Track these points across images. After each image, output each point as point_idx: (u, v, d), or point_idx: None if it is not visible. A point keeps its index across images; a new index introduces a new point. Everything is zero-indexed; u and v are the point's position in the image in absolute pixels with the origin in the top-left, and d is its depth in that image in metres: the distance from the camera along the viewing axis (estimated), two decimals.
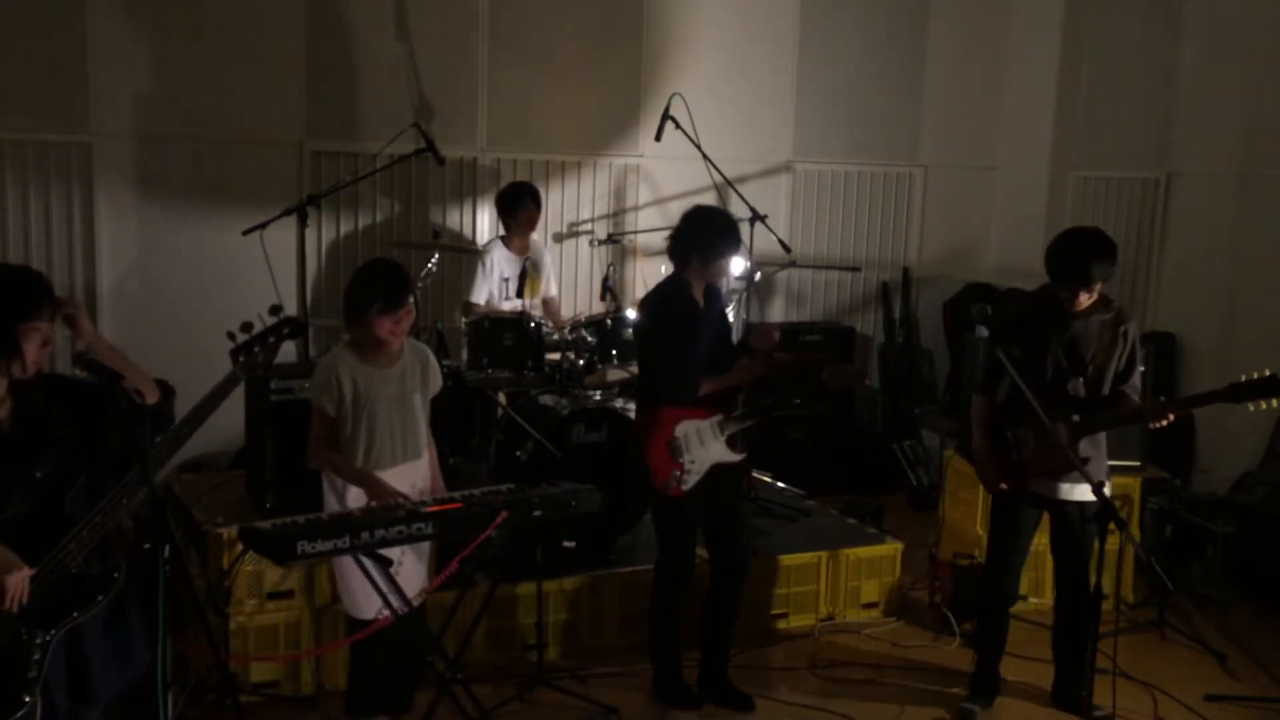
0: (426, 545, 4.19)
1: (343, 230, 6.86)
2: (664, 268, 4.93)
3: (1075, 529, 4.62)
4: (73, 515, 3.15)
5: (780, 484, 6.68)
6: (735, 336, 5.30)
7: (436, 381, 4.31)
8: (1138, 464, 5.89)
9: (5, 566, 3.03)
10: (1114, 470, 5.55)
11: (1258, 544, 6.19)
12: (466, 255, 6.62)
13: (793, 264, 7.13)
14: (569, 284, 7.24)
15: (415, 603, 4.09)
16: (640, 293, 6.47)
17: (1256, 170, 7.02)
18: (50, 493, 3.15)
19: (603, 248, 7.26)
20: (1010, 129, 8.26)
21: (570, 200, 7.37)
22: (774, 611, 5.62)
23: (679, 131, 6.54)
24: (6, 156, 6.18)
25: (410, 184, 6.95)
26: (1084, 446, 4.49)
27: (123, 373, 3.17)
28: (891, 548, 5.91)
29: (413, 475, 4.19)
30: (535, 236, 6.72)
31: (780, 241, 6.65)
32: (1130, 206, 7.71)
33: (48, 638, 3.12)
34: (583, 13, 7.25)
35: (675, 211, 7.08)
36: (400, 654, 4.22)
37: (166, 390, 3.34)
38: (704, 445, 4.61)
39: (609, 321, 5.80)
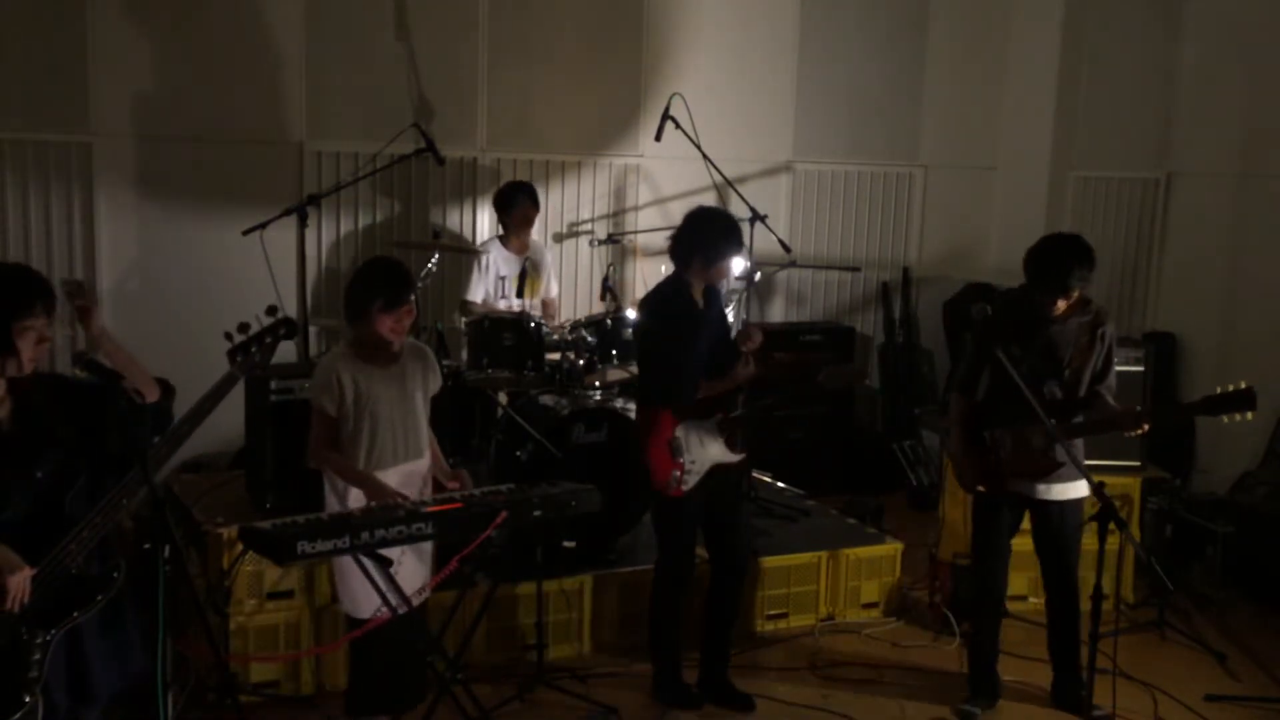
0: (428, 545, 4.19)
1: (343, 230, 6.86)
2: (664, 268, 4.93)
3: (1056, 528, 4.61)
4: (73, 515, 3.15)
5: (780, 484, 6.68)
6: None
7: (436, 380, 4.31)
8: (1138, 464, 5.89)
9: (7, 567, 3.03)
10: (1114, 470, 5.59)
11: (1258, 544, 6.19)
12: (466, 255, 6.62)
13: (793, 264, 7.13)
14: (569, 284, 7.23)
15: (415, 602, 4.09)
16: (640, 293, 6.47)
17: (1256, 170, 7.02)
18: (50, 493, 3.15)
19: (603, 248, 7.26)
20: (1010, 129, 8.26)
21: (570, 200, 7.37)
22: (774, 612, 5.62)
23: (679, 131, 6.54)
24: (6, 156, 6.18)
25: (410, 184, 6.95)
26: (1060, 450, 4.48)
27: (124, 370, 3.17)
28: (891, 548, 5.91)
29: (414, 474, 4.19)
30: (535, 237, 6.72)
31: (780, 241, 6.65)
32: (1130, 206, 7.71)
33: (48, 637, 3.12)
34: (583, 13, 7.26)
35: (675, 211, 7.12)
36: (401, 654, 4.21)
37: (166, 389, 3.34)
38: (703, 445, 4.62)
39: (609, 321, 5.80)
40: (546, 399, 5.66)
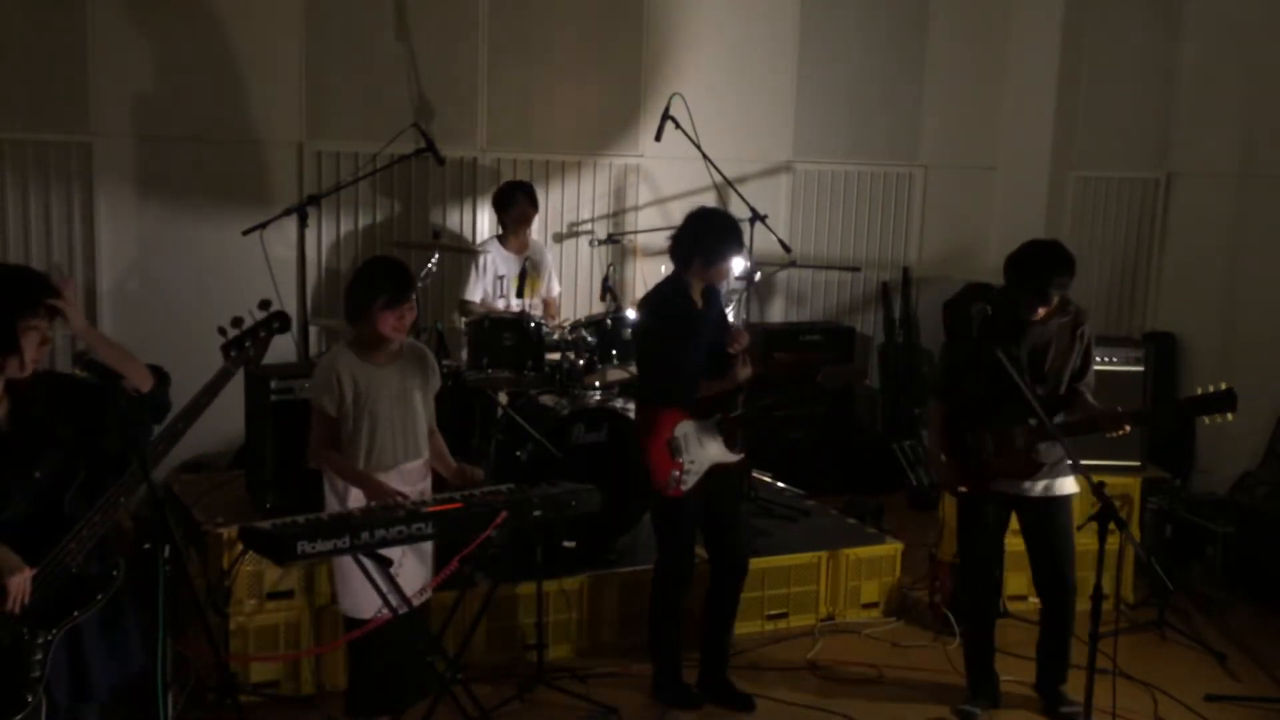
0: (428, 545, 4.19)
1: (343, 230, 6.86)
2: (664, 268, 4.93)
3: (1046, 526, 4.58)
4: (72, 515, 3.15)
5: (780, 484, 6.68)
6: None
7: (436, 380, 4.32)
8: (1138, 464, 5.89)
9: (7, 568, 3.04)
10: (1114, 470, 5.59)
11: (1258, 544, 6.20)
12: (466, 255, 6.62)
13: (793, 264, 7.13)
14: (569, 284, 7.23)
15: (416, 603, 4.09)
16: (640, 293, 6.47)
17: (1256, 170, 7.02)
18: (49, 493, 3.15)
19: (603, 248, 7.26)
20: (1010, 129, 8.26)
21: (570, 200, 7.37)
22: (774, 612, 5.62)
23: (679, 131, 6.54)
24: (6, 156, 6.18)
25: (410, 184, 6.95)
26: (1044, 449, 4.47)
27: (114, 362, 3.17)
28: (891, 548, 5.91)
29: (414, 474, 4.19)
30: (535, 236, 6.72)
31: (780, 241, 6.65)
32: (1130, 206, 7.71)
33: (49, 637, 3.12)
34: (583, 13, 7.26)
35: (675, 211, 7.12)
36: (401, 654, 4.21)
37: (161, 376, 3.33)
38: (703, 445, 4.62)
39: (609, 321, 5.80)
40: (546, 399, 5.66)
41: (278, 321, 3.45)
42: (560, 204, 7.32)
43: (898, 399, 8.05)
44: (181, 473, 6.07)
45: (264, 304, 3.47)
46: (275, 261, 6.07)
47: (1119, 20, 7.62)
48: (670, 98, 6.60)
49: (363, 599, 4.06)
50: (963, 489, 4.61)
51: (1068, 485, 4.59)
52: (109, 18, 6.26)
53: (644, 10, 7.40)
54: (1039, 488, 4.55)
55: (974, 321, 4.43)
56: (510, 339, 5.66)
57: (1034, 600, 5.67)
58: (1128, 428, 4.41)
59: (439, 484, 4.36)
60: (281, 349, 4.83)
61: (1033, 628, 5.38)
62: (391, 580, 3.91)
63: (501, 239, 6.51)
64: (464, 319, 6.10)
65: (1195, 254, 7.41)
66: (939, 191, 8.32)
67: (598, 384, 5.85)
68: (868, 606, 5.83)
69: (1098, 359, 5.73)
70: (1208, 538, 6.36)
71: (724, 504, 4.77)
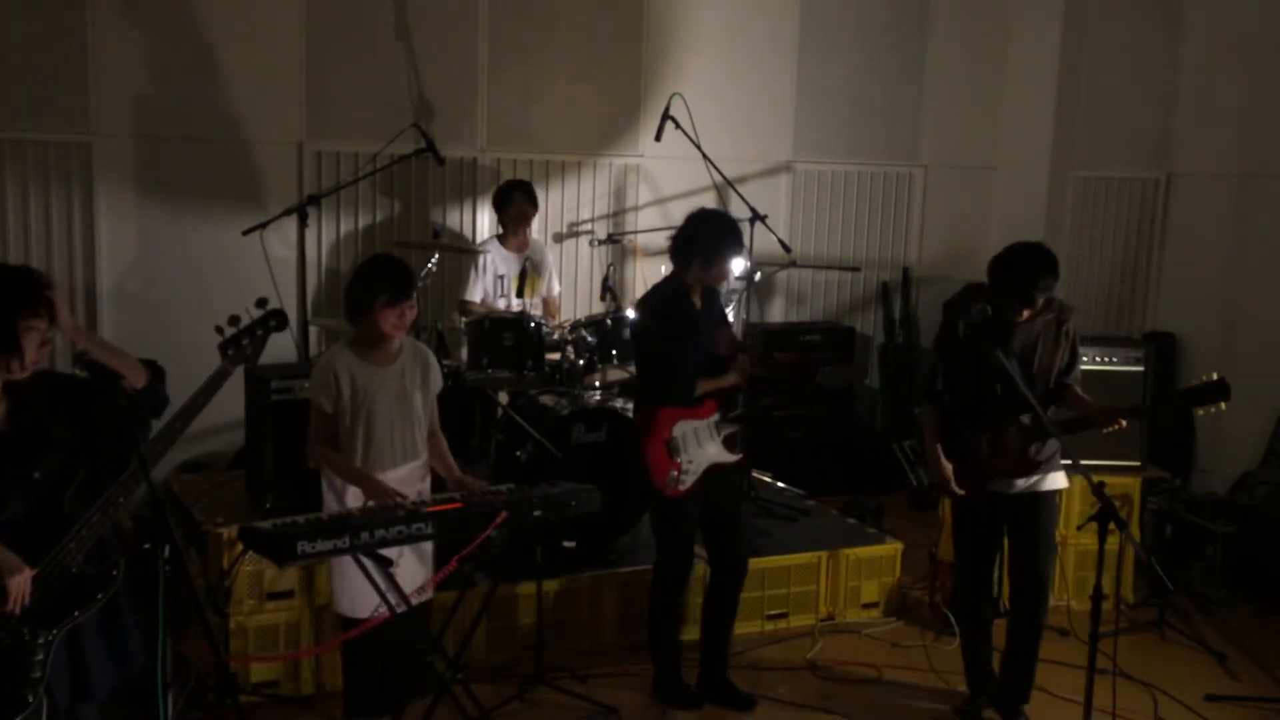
0: (428, 546, 4.19)
1: (343, 230, 6.86)
2: (664, 268, 4.93)
3: (1029, 520, 4.52)
4: (71, 515, 3.15)
5: (780, 484, 6.68)
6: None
7: (437, 381, 4.31)
8: (1138, 464, 5.89)
9: (7, 568, 3.04)
10: (1114, 470, 5.59)
11: (1258, 544, 6.20)
12: (466, 255, 6.62)
13: (793, 264, 7.13)
14: (569, 284, 7.23)
15: (415, 602, 4.09)
16: (640, 293, 6.47)
17: (1256, 170, 7.02)
18: (49, 493, 3.16)
19: (603, 248, 7.26)
20: (1010, 129, 8.26)
21: (570, 200, 7.37)
22: (774, 612, 5.62)
23: (679, 131, 6.54)
24: (6, 156, 6.18)
25: (410, 184, 6.95)
26: (1035, 447, 4.45)
27: (107, 360, 3.17)
28: (891, 548, 5.91)
29: (412, 475, 4.19)
30: (536, 236, 6.72)
31: (780, 241, 6.65)
32: (1130, 206, 7.71)
33: (50, 637, 3.12)
34: (583, 13, 7.25)
35: (675, 211, 7.12)
36: (399, 654, 4.21)
37: (156, 371, 3.33)
38: (701, 446, 4.62)
39: (609, 321, 5.80)
40: (546, 399, 5.65)
41: (275, 320, 3.46)
42: (560, 204, 7.32)
43: (898, 399, 8.05)
44: (181, 473, 6.07)
45: (261, 302, 3.47)
46: (275, 261, 6.08)
47: (1119, 20, 7.63)
48: (670, 98, 6.60)
49: (360, 598, 4.06)
50: (960, 492, 4.59)
51: (1056, 480, 4.55)
52: (109, 18, 6.26)
53: (644, 10, 7.40)
54: (1027, 483, 4.51)
55: (974, 321, 4.43)
56: (510, 339, 5.66)
57: None
58: (1124, 423, 4.40)
59: (439, 484, 4.36)
60: (282, 349, 4.84)
61: None
62: (391, 580, 3.91)
63: (502, 238, 6.51)
64: (464, 319, 6.10)
65: (1195, 254, 7.41)
66: (939, 191, 8.32)
67: (598, 384, 5.85)
68: (868, 606, 5.83)
69: (1097, 359, 5.79)
70: (1208, 538, 6.36)
71: (724, 504, 4.77)
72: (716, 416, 4.66)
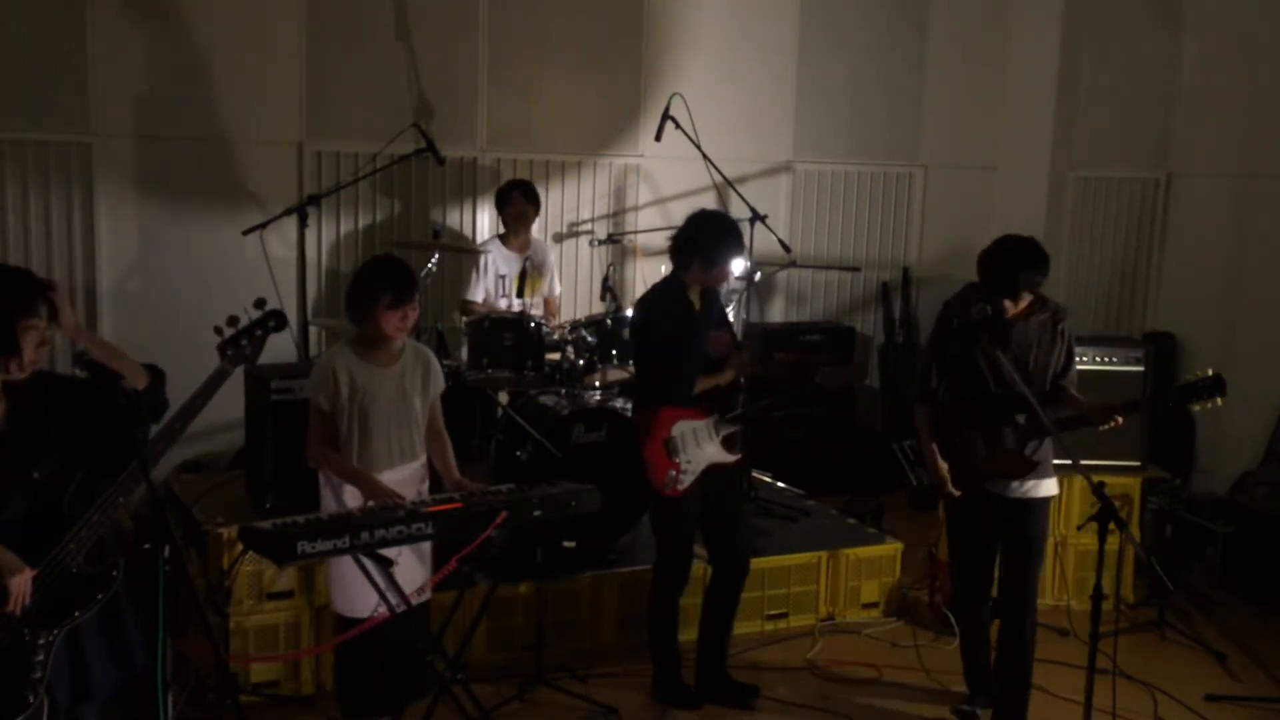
0: (427, 545, 4.18)
1: (343, 230, 6.86)
2: (664, 268, 4.93)
3: (1020, 526, 4.48)
4: (71, 515, 3.15)
5: (780, 484, 6.68)
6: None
7: (439, 383, 4.30)
8: (1138, 464, 5.90)
9: (8, 568, 3.04)
10: (1114, 470, 5.59)
11: (1258, 544, 6.20)
12: (467, 255, 6.63)
13: (793, 264, 7.14)
14: (569, 284, 7.23)
15: (415, 602, 4.09)
16: (640, 293, 6.46)
17: (1256, 170, 7.02)
18: (49, 493, 3.15)
19: (603, 248, 7.26)
20: (1010, 129, 8.26)
21: (570, 200, 7.37)
22: (774, 612, 5.62)
23: (679, 131, 6.54)
24: (6, 156, 6.18)
25: (410, 184, 6.95)
26: (1032, 447, 4.43)
27: (109, 362, 3.17)
28: (891, 548, 5.91)
29: (411, 476, 4.19)
30: (537, 236, 6.72)
31: (780, 241, 6.65)
32: (1130, 206, 7.72)
33: (50, 638, 3.12)
34: (583, 13, 7.25)
35: (675, 211, 7.12)
36: (397, 654, 4.21)
37: (156, 374, 3.34)
38: (699, 445, 4.62)
39: (609, 321, 5.80)
40: (546, 399, 5.66)
41: (274, 320, 3.46)
42: (560, 204, 7.32)
43: (898, 399, 8.05)
44: (181, 473, 6.07)
45: (259, 303, 3.47)
46: (275, 261, 6.08)
47: (1119, 20, 7.63)
48: (670, 98, 6.60)
49: (356, 598, 4.05)
50: (956, 493, 4.58)
51: (1047, 487, 4.50)
52: (109, 18, 6.26)
53: (644, 10, 7.40)
54: (1020, 488, 4.47)
55: (974, 321, 4.41)
56: (510, 339, 5.66)
57: None
58: (1120, 419, 4.39)
59: (437, 485, 4.36)
60: (282, 349, 4.84)
61: None
62: (390, 579, 3.90)
63: (503, 238, 6.51)
64: (464, 318, 6.11)
65: (1195, 254, 7.42)
66: (939, 191, 8.31)
67: (598, 384, 5.85)
68: (868, 606, 5.83)
69: (1097, 359, 5.79)
70: (1208, 538, 6.36)
71: (725, 504, 4.77)
72: (716, 416, 4.66)
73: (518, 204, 6.43)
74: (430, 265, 6.01)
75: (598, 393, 5.79)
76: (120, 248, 6.45)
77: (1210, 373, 4.21)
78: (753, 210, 6.48)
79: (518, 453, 5.36)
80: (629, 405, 5.45)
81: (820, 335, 7.70)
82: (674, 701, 4.81)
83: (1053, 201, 7.92)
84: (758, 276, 6.77)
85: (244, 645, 4.74)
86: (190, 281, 6.49)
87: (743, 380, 4.98)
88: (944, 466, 4.56)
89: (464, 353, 5.93)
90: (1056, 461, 4.53)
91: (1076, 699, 4.14)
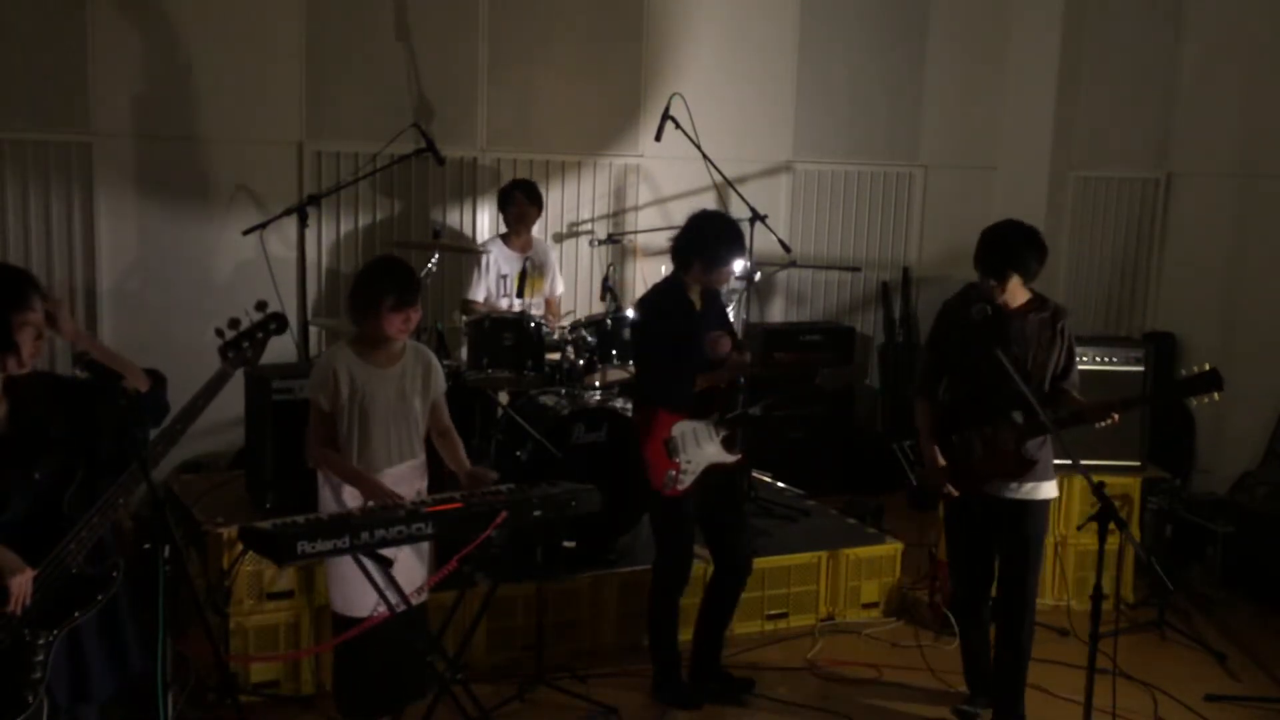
0: (425, 545, 4.18)
1: (343, 230, 6.86)
2: (664, 268, 4.93)
3: (1017, 528, 4.47)
4: (71, 516, 3.15)
5: (780, 484, 6.68)
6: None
7: (440, 384, 4.29)
8: (1138, 464, 5.90)
9: (8, 569, 3.04)
10: (1114, 470, 5.59)
11: (1258, 544, 6.20)
12: (467, 255, 6.63)
13: (793, 264, 7.14)
14: (569, 284, 7.23)
15: (414, 601, 4.09)
16: (640, 293, 6.45)
17: (1256, 170, 7.03)
18: (49, 493, 3.15)
19: (603, 248, 7.26)
20: (1010, 129, 8.26)
21: (570, 200, 7.37)
22: (774, 612, 5.62)
23: (679, 131, 6.55)
24: (6, 156, 6.18)
25: (410, 184, 6.95)
26: (1030, 447, 4.42)
27: (111, 363, 3.17)
28: (891, 548, 5.91)
29: (409, 478, 4.18)
30: (538, 235, 6.72)
31: (780, 241, 6.65)
32: (1130, 206, 7.72)
33: (50, 638, 3.12)
34: (583, 13, 7.26)
35: (675, 211, 7.13)
36: (396, 653, 4.20)
37: (157, 379, 3.34)
38: (699, 445, 4.62)
39: (609, 321, 5.80)
40: (546, 399, 5.66)
41: (275, 323, 3.46)
42: (560, 204, 7.32)
43: (898, 399, 8.05)
44: (181, 473, 6.07)
45: (260, 305, 3.47)
46: (275, 261, 6.08)
47: (1119, 20, 7.63)
48: (670, 98, 6.60)
49: (354, 597, 4.05)
50: (954, 492, 4.57)
51: (1048, 490, 4.48)
52: (109, 18, 6.26)
53: (644, 10, 7.40)
54: (1018, 490, 4.45)
55: (974, 321, 4.41)
56: (510, 339, 5.66)
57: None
58: (1116, 417, 4.38)
59: (436, 484, 4.36)
60: (282, 349, 4.83)
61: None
62: (391, 579, 3.90)
63: (505, 238, 6.52)
64: (465, 318, 6.11)
65: (1195, 254, 7.42)
66: (939, 191, 8.31)
67: (598, 384, 5.85)
68: (868, 606, 5.83)
69: (1097, 359, 5.78)
70: (1208, 538, 6.36)
71: (725, 504, 4.77)
72: (716, 416, 4.66)
73: (520, 204, 6.43)
74: (430, 265, 6.01)
75: (598, 393, 5.79)
76: (120, 248, 6.45)
77: (1207, 367, 4.19)
78: (753, 210, 6.48)
79: (518, 453, 5.36)
80: (629, 405, 5.45)
81: (820, 335, 7.70)
82: (674, 701, 4.81)
83: (1053, 201, 7.92)
84: (758, 276, 6.77)
85: (244, 645, 4.74)
86: (190, 281, 6.49)
87: (743, 380, 4.98)
88: (941, 461, 4.54)
89: (464, 353, 5.93)
90: (1057, 461, 4.53)
91: (1076, 699, 4.14)
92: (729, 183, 6.73)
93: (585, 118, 7.34)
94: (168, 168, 6.48)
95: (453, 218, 7.11)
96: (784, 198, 7.91)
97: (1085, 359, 5.53)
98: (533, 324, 5.71)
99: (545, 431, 5.35)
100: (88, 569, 3.17)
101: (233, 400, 4.81)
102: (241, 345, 3.39)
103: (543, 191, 6.75)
